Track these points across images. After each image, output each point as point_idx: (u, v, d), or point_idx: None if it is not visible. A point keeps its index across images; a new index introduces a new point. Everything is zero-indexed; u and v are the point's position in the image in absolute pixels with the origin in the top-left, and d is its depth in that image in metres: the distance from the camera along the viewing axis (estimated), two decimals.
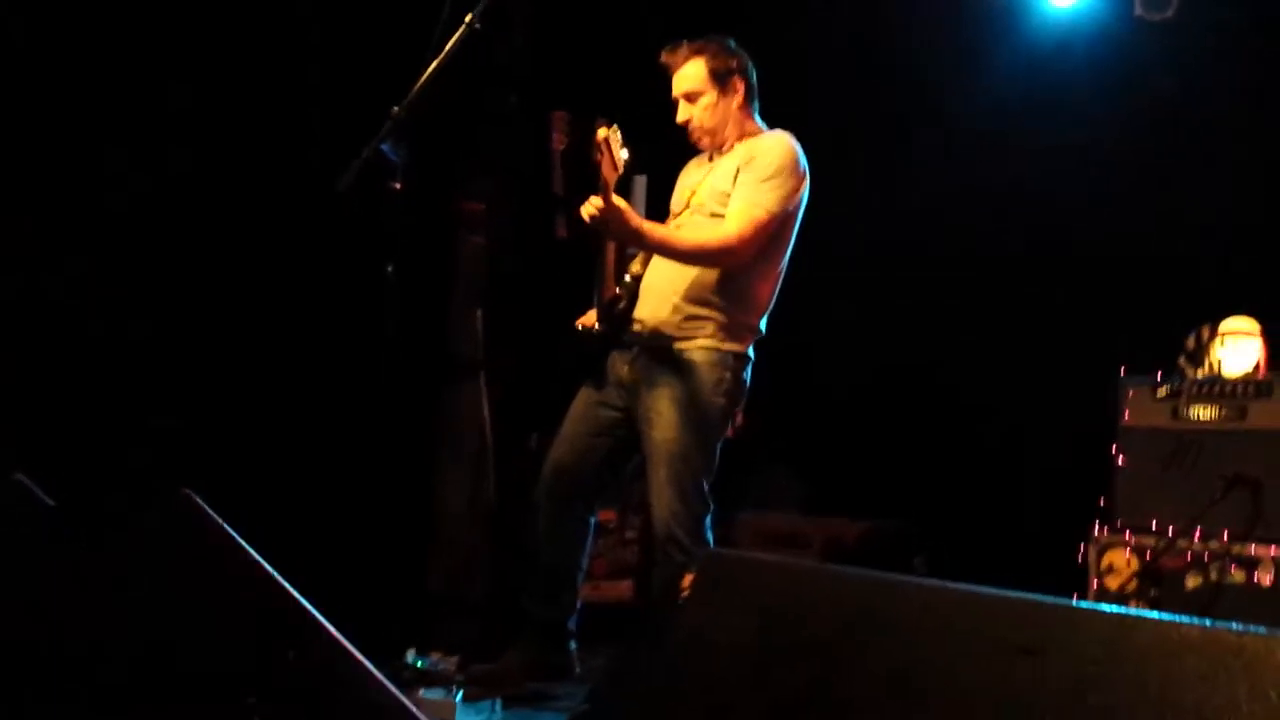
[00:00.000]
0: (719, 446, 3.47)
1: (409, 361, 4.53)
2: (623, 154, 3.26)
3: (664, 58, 3.55)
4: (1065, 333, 4.92)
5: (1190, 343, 4.33)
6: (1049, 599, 1.62)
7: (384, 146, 2.77)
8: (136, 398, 4.01)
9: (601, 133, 3.26)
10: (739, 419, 3.70)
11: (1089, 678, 1.46)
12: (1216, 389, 4.11)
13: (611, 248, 3.55)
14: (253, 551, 2.00)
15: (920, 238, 5.29)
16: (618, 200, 3.26)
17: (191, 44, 4.05)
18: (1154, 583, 3.97)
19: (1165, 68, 4.87)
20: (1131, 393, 4.25)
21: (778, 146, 3.48)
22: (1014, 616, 1.60)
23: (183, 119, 4.08)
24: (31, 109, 3.86)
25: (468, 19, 2.86)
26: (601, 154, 3.24)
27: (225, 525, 2.02)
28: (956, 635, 1.65)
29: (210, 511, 2.02)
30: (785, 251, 3.54)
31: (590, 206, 3.24)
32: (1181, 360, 4.31)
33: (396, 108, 2.79)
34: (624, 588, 4.78)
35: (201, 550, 1.98)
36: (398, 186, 2.83)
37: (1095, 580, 4.09)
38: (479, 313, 4.71)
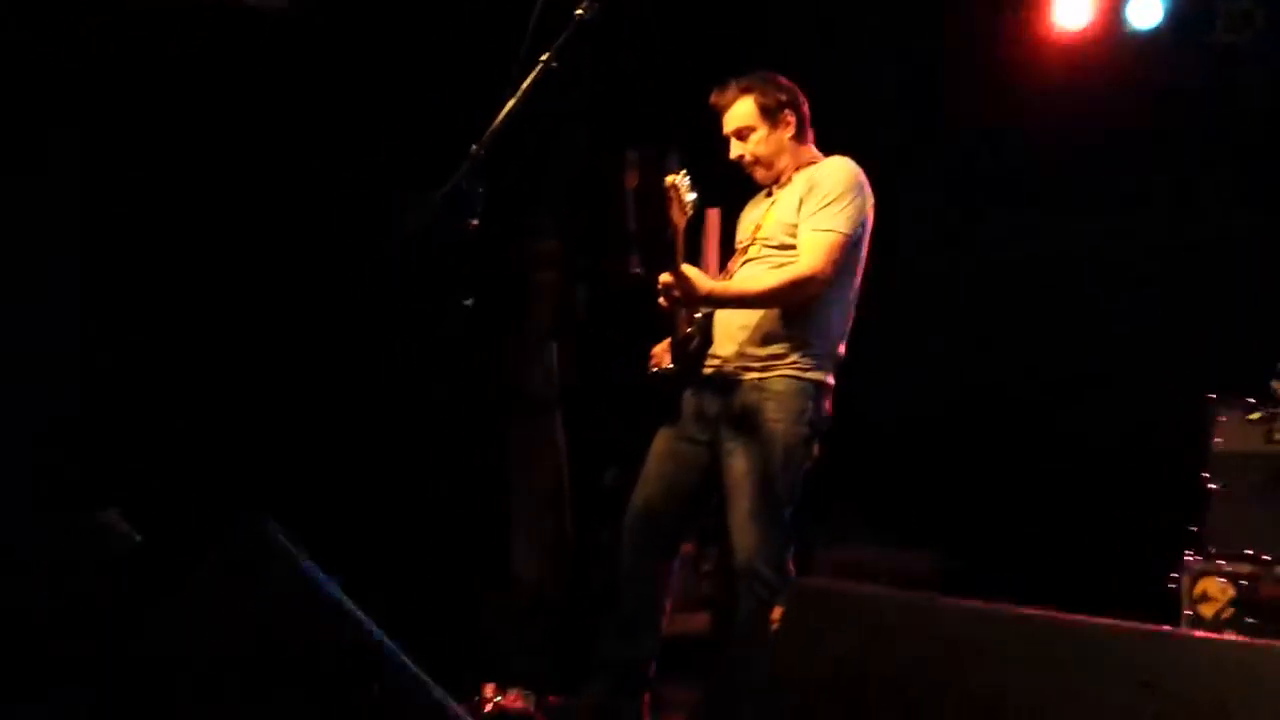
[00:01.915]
0: (802, 477, 3.43)
1: (485, 398, 4.58)
2: (690, 197, 3.29)
3: (713, 99, 3.58)
4: (1153, 356, 4.83)
5: None
6: (1153, 627, 1.57)
7: (462, 184, 2.79)
8: (216, 430, 4.09)
9: (669, 179, 3.30)
10: (817, 449, 3.66)
11: (1202, 711, 1.41)
12: None
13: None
14: (335, 585, 2.01)
15: (1005, 261, 5.23)
16: (687, 269, 3.30)
17: (280, 90, 4.15)
18: (1250, 611, 3.86)
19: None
20: (1223, 417, 4.15)
21: (839, 169, 3.48)
22: (1123, 647, 1.55)
23: (269, 158, 4.18)
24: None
25: (544, 58, 2.88)
26: (670, 200, 3.27)
27: (307, 558, 2.04)
28: (1054, 665, 1.61)
29: (292, 544, 2.04)
30: (857, 275, 3.51)
31: (662, 280, 3.29)
32: (1274, 384, 4.19)
33: (475, 146, 2.81)
34: (700, 620, 4.73)
35: (284, 583, 2.00)
36: (475, 223, 2.85)
37: (1189, 609, 3.98)
38: (554, 349, 4.73)
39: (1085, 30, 5.17)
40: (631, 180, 4.92)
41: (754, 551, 3.33)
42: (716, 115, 3.58)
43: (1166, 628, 1.59)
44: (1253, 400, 4.10)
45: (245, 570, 2.02)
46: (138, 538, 2.37)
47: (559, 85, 2.95)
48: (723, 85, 3.56)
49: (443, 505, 4.06)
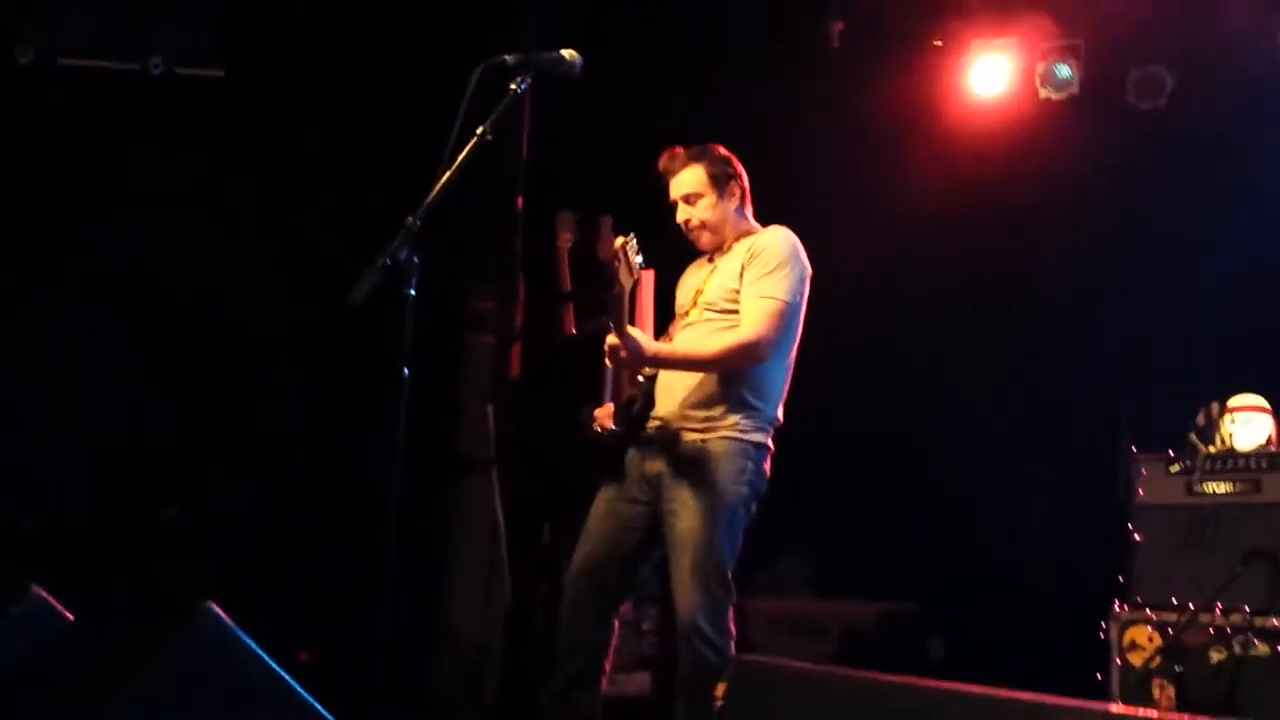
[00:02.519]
0: (741, 536, 3.47)
1: (422, 461, 4.57)
2: (638, 260, 3.35)
3: (662, 164, 3.66)
4: (1074, 411, 4.95)
5: (1200, 419, 4.35)
6: (1085, 704, 1.61)
7: (400, 254, 2.81)
8: (149, 499, 4.04)
9: (619, 241, 3.34)
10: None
11: None
12: (1230, 463, 4.13)
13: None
14: (275, 665, 2.00)
15: (928, 319, 5.35)
16: (633, 331, 3.36)
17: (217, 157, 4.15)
18: (1178, 659, 3.94)
19: None
20: (1144, 470, 4.26)
21: (780, 239, 3.58)
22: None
23: (205, 226, 4.17)
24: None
25: (479, 131, 2.92)
26: (619, 262, 3.32)
27: (247, 639, 2.03)
28: None
29: (232, 625, 2.03)
30: (795, 341, 3.60)
31: (609, 343, 3.33)
32: (1192, 436, 4.32)
33: (410, 218, 2.84)
34: (641, 680, 4.72)
35: (226, 666, 1.98)
36: (412, 292, 2.86)
37: (1118, 658, 4.06)
38: (489, 410, 4.74)
39: (1000, 97, 5.36)
40: (565, 241, 4.97)
41: (695, 609, 3.36)
42: (662, 180, 3.65)
43: (1096, 705, 1.63)
44: (1172, 453, 4.21)
45: (183, 651, 2.01)
46: (68, 616, 2.33)
47: (494, 153, 2.99)
48: (672, 152, 3.65)
49: (380, 570, 4.02)
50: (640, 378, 3.70)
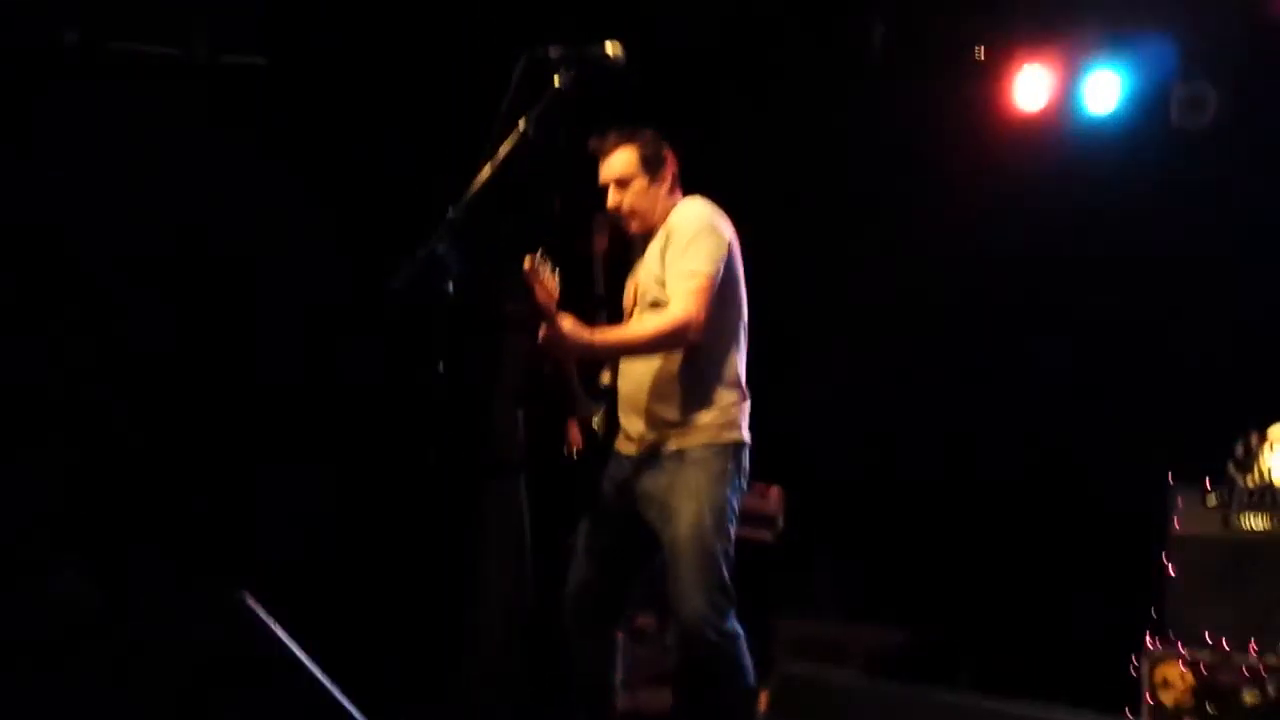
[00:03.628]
0: (733, 533, 3.44)
1: (454, 462, 4.54)
2: (554, 275, 3.35)
3: (593, 145, 3.58)
4: (1113, 439, 4.88)
5: (1239, 450, 4.27)
6: None
7: (438, 248, 2.79)
8: (188, 493, 4.03)
9: (526, 263, 3.32)
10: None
11: None
12: (1268, 497, 4.05)
13: (570, 366, 3.59)
14: (306, 658, 1.96)
15: (966, 348, 5.29)
16: (563, 319, 3.32)
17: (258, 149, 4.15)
18: (1210, 698, 3.86)
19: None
20: (1181, 500, 4.18)
21: (689, 211, 3.51)
22: None
23: (246, 219, 4.16)
24: None
25: (520, 126, 2.90)
26: (533, 283, 3.30)
27: (279, 630, 1.99)
28: None
29: (265, 615, 2.00)
30: (739, 309, 3.52)
31: (542, 337, 3.32)
32: (1230, 467, 4.24)
33: (451, 210, 2.82)
34: (663, 696, 4.67)
35: (256, 655, 1.94)
36: (450, 287, 2.84)
37: (1149, 696, 3.98)
38: (520, 413, 4.70)
39: (1041, 112, 5.30)
40: (600, 243, 4.94)
41: (698, 614, 3.33)
42: (594, 162, 3.58)
43: None
44: (1210, 484, 4.13)
45: (215, 638, 1.97)
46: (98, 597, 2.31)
47: (534, 151, 2.97)
48: (602, 133, 3.57)
49: (413, 570, 4.00)
50: (600, 385, 3.66)
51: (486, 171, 2.90)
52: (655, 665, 4.68)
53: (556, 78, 2.97)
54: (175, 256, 4.13)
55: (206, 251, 4.16)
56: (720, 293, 3.41)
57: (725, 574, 3.38)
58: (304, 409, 4.15)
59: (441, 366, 2.87)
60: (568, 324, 3.32)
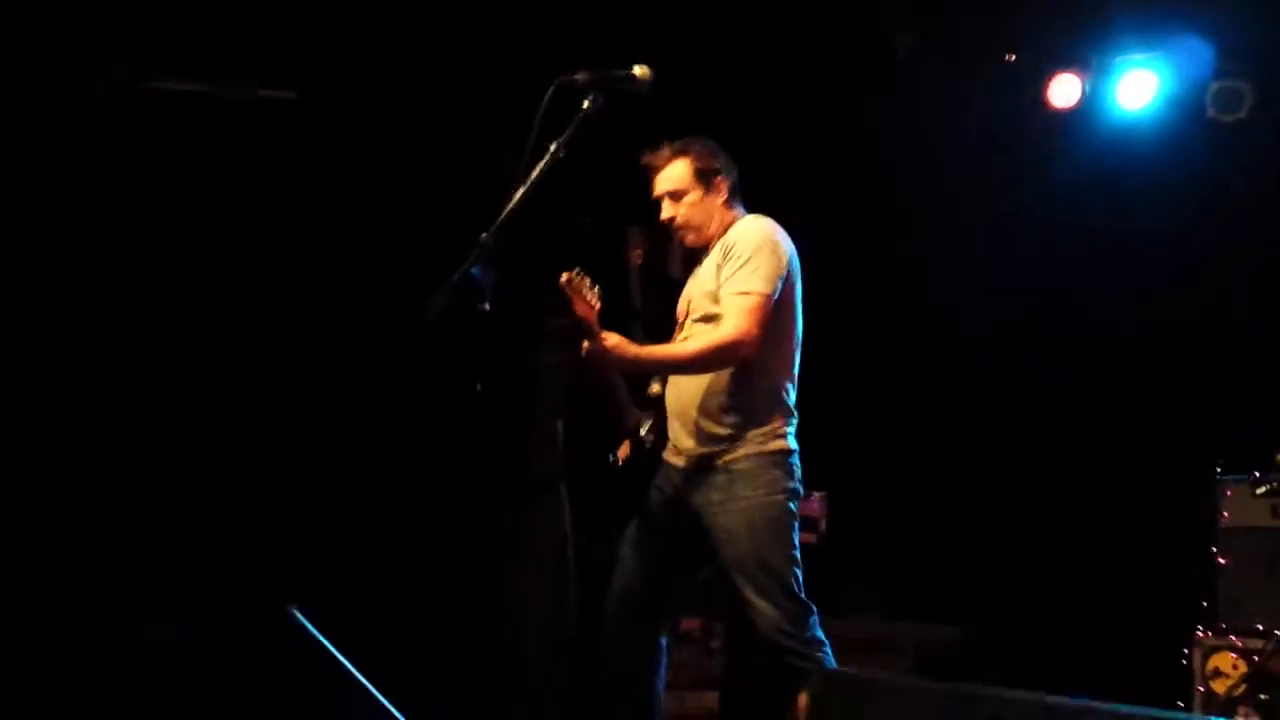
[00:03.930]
0: (796, 538, 3.43)
1: (493, 479, 4.60)
2: (594, 290, 3.36)
3: (646, 159, 3.56)
4: (1157, 430, 4.86)
5: None
6: (1162, 713, 1.58)
7: (473, 271, 2.84)
8: (234, 513, 4.10)
9: (563, 278, 3.34)
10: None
11: None
12: None
13: (614, 377, 3.61)
14: (356, 672, 2.02)
15: (1009, 345, 5.29)
16: (609, 336, 3.33)
17: (292, 181, 4.23)
18: (1263, 687, 3.84)
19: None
20: (1229, 492, 4.16)
21: (750, 229, 3.47)
22: None
23: (279, 249, 4.25)
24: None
25: (552, 148, 2.94)
26: (573, 298, 3.32)
27: (328, 644, 2.05)
28: None
29: (314, 630, 2.06)
30: (793, 332, 3.49)
31: (587, 350, 3.35)
32: (1278, 457, 4.21)
33: (484, 234, 2.86)
34: (709, 699, 4.69)
35: (306, 670, 2.01)
36: (486, 308, 2.89)
37: (1201, 685, 3.96)
38: (559, 426, 4.75)
39: (1075, 107, 5.30)
40: (636, 258, 4.98)
41: (774, 629, 3.30)
42: (649, 176, 3.57)
43: (1160, 713, 1.59)
44: (1259, 474, 4.11)
45: (265, 654, 2.04)
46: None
47: (566, 171, 3.01)
48: (656, 145, 3.56)
49: (452, 587, 4.05)
50: (649, 394, 3.67)
51: (519, 194, 2.95)
52: (700, 668, 4.70)
53: (586, 102, 3.01)
54: (218, 272, 4.21)
55: (241, 266, 4.24)
56: (776, 313, 3.39)
57: (794, 583, 3.35)
58: (340, 423, 4.22)
59: (479, 386, 2.92)
60: (612, 340, 3.33)
